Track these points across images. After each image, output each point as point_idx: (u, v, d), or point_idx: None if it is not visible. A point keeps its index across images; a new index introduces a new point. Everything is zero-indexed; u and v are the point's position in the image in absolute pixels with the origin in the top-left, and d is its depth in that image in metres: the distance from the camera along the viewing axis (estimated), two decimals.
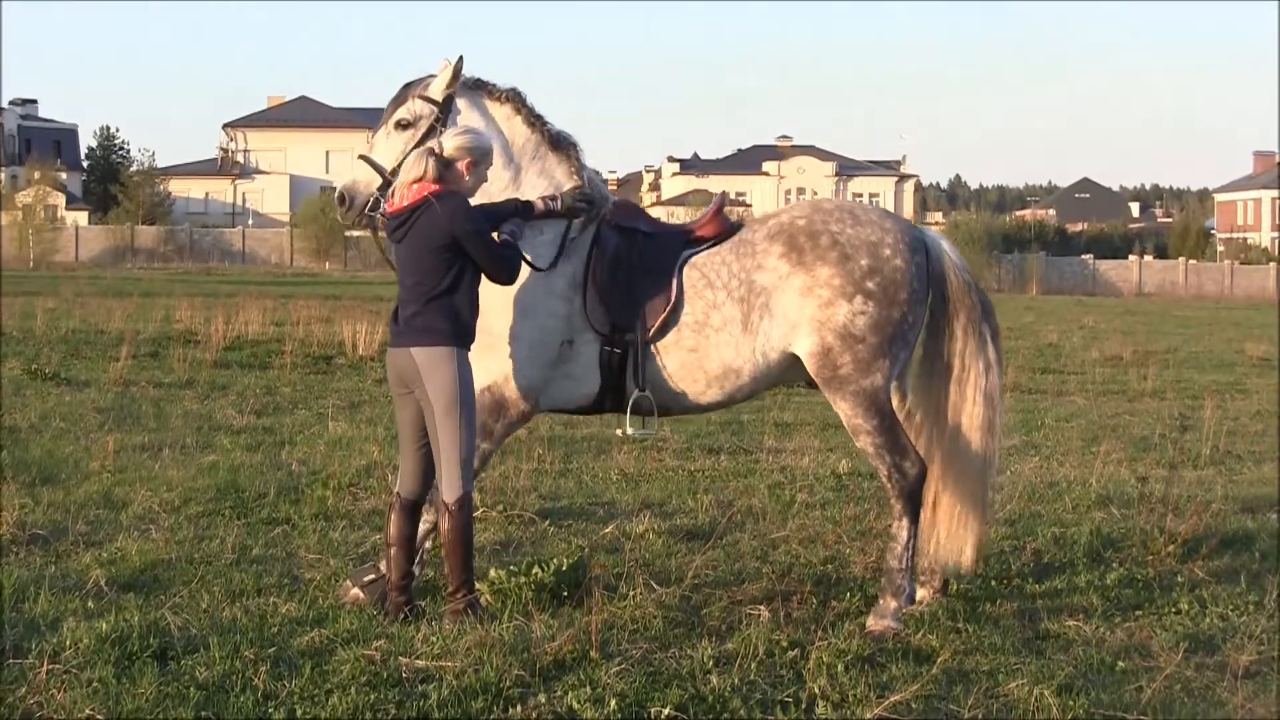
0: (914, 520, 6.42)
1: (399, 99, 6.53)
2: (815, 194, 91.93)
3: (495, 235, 6.20)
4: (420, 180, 6.06)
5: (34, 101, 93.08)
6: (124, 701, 4.91)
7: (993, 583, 7.06)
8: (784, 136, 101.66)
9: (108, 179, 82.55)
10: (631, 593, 6.40)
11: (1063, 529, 8.40)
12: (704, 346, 6.38)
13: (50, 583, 6.41)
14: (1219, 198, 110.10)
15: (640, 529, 8.04)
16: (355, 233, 60.90)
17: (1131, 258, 75.97)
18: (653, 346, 6.39)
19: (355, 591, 6.40)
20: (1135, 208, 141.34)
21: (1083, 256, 76.01)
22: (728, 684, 5.25)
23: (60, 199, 73.98)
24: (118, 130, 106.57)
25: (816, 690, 5.22)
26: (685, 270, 6.45)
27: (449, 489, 6.03)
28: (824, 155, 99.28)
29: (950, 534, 6.64)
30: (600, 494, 9.27)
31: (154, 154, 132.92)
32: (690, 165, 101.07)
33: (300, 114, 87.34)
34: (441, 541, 6.15)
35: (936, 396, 6.63)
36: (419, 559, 6.44)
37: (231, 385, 14.57)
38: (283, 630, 5.81)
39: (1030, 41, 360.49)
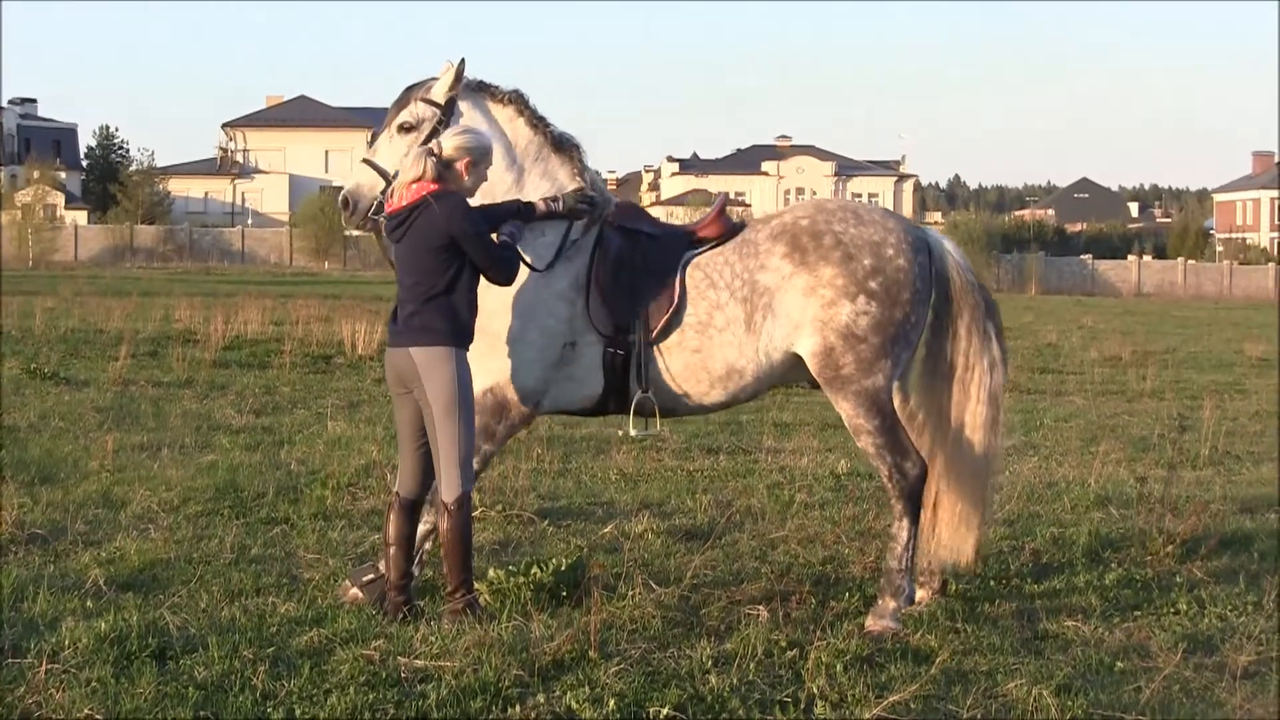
0: (914, 521, 6.42)
1: (401, 102, 6.53)
2: (814, 194, 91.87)
3: (495, 236, 6.20)
4: (419, 180, 6.06)
5: (33, 101, 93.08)
6: (123, 701, 4.91)
7: (991, 583, 7.06)
8: (783, 136, 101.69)
9: (107, 178, 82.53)
10: (630, 593, 6.40)
11: (1061, 529, 8.40)
12: (707, 347, 6.38)
13: (49, 582, 6.41)
14: (1218, 198, 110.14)
15: (639, 529, 8.04)
16: (355, 233, 60.95)
17: (1130, 258, 75.97)
18: (656, 348, 6.39)
19: (354, 591, 6.40)
20: (1134, 208, 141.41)
21: (1082, 256, 76.01)
22: (726, 684, 5.25)
23: (59, 198, 73.94)
24: (117, 130, 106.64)
25: (815, 690, 5.22)
26: (688, 271, 6.44)
27: (448, 489, 6.03)
28: (823, 155, 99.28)
29: (951, 532, 6.65)
30: (599, 494, 9.27)
31: (153, 153, 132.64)
32: (689, 165, 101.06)
33: (299, 113, 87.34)
34: (440, 541, 6.15)
35: (940, 396, 6.63)
36: (418, 559, 6.44)
37: (230, 385, 14.57)
38: (281, 630, 5.81)
39: (1029, 41, 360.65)
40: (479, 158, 6.19)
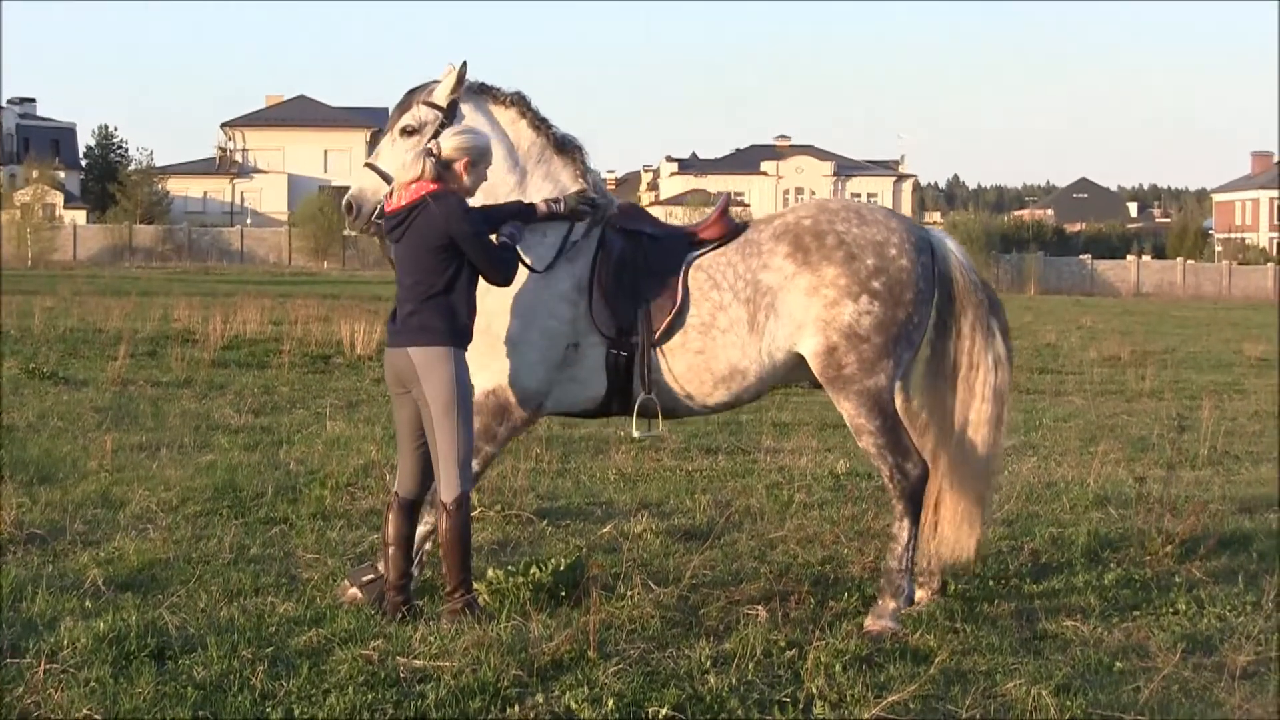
0: (915, 521, 6.42)
1: (404, 105, 6.53)
2: (814, 194, 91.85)
3: (494, 237, 6.21)
4: (418, 180, 6.06)
5: (32, 100, 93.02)
6: (121, 701, 4.90)
7: (990, 583, 7.06)
8: (782, 136, 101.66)
9: (106, 178, 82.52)
10: (629, 593, 6.40)
11: (1060, 529, 8.40)
12: (710, 348, 6.38)
13: (48, 582, 6.41)
14: (1217, 198, 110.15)
15: (638, 529, 8.04)
16: (354, 234, 60.89)
17: (1129, 258, 75.99)
18: (659, 349, 6.38)
19: (353, 591, 6.40)
20: (1133, 208, 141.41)
21: (1081, 256, 76.02)
22: (725, 684, 5.25)
23: (58, 198, 73.92)
24: (116, 129, 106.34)
25: (814, 690, 5.22)
26: (691, 272, 6.44)
27: (447, 489, 6.03)
28: (822, 155, 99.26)
29: (954, 530, 6.65)
30: (598, 494, 9.27)
31: (152, 153, 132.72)
32: (689, 165, 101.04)
33: (298, 113, 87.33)
34: (439, 541, 6.15)
35: (943, 395, 6.63)
36: (418, 560, 6.44)
37: (229, 384, 14.56)
38: (280, 630, 5.81)
39: (1028, 42, 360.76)
40: (477, 158, 6.19)
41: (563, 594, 6.33)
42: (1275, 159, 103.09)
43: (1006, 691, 5.37)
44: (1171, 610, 6.66)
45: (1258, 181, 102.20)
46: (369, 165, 6.50)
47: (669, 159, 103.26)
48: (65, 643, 5.43)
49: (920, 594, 6.62)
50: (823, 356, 6.34)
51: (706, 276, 6.43)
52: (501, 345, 6.36)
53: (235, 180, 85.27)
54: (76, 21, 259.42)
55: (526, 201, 6.45)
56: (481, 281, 6.20)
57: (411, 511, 6.27)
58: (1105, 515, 8.89)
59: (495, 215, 6.33)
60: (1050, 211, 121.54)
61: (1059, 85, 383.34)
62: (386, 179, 6.37)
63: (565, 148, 6.62)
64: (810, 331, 6.34)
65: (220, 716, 4.86)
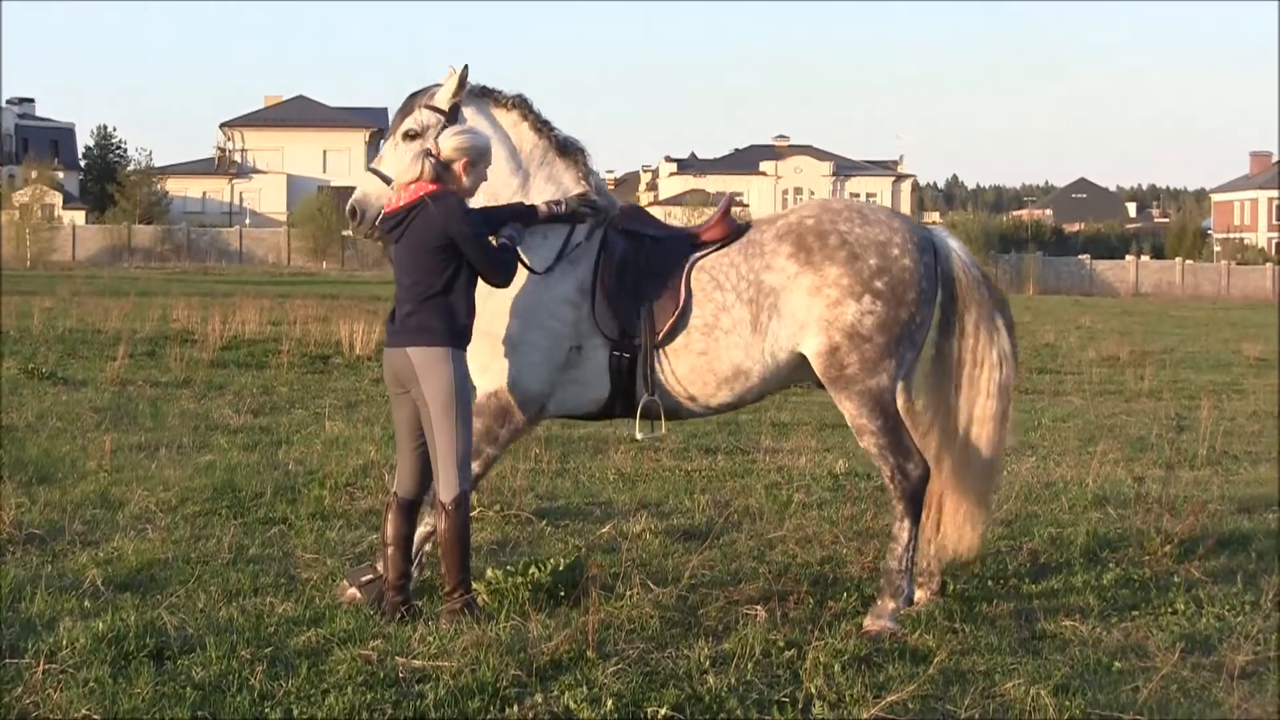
0: (915, 522, 6.42)
1: (405, 109, 6.53)
2: (812, 194, 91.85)
3: (494, 239, 6.21)
4: (417, 181, 6.07)
5: (31, 100, 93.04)
6: (120, 701, 4.90)
7: (989, 583, 7.06)
8: (781, 136, 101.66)
9: (105, 178, 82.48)
10: (628, 593, 6.40)
11: (1059, 529, 8.41)
12: (714, 349, 6.38)
13: (47, 582, 6.41)
14: (1216, 198, 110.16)
15: (637, 529, 8.04)
16: (358, 237, 60.89)
17: (1128, 258, 75.99)
18: (662, 350, 6.38)
19: (352, 591, 6.40)
20: (1132, 208, 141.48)
21: (1079, 257, 76.01)
22: (724, 684, 5.25)
23: (57, 198, 73.92)
24: (115, 129, 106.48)
25: (813, 690, 5.22)
26: (694, 273, 6.44)
27: (445, 488, 6.03)
28: (821, 155, 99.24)
29: (956, 527, 6.65)
30: (597, 494, 9.27)
31: (151, 153, 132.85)
32: (688, 165, 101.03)
33: (297, 113, 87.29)
34: (438, 541, 6.15)
35: (948, 392, 6.62)
36: (418, 561, 6.44)
37: (228, 385, 14.56)
38: (279, 630, 5.81)
39: (1027, 42, 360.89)
40: (476, 158, 6.19)
41: (562, 594, 6.33)
42: (1274, 159, 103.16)
43: (1005, 691, 5.37)
44: (1170, 610, 6.67)
45: (1256, 181, 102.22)
46: (372, 170, 6.50)
47: (668, 159, 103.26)
48: (64, 643, 5.44)
49: (920, 594, 6.62)
50: (825, 356, 6.33)
51: (709, 277, 6.43)
52: (505, 347, 6.36)
53: (234, 180, 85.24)
54: (75, 22, 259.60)
55: (528, 204, 6.46)
56: (485, 284, 6.21)
57: (410, 512, 6.27)
58: (1104, 515, 8.89)
59: (496, 217, 6.34)
60: (1049, 211, 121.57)
61: (1058, 85, 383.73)
62: (390, 183, 6.37)
63: (568, 150, 6.62)
64: (813, 331, 6.34)
65: (219, 717, 4.86)
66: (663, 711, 4.96)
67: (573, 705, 4.97)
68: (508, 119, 6.61)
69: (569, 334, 6.39)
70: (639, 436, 6.59)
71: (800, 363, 6.46)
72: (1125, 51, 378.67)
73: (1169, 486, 8.70)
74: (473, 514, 6.93)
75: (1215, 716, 5.30)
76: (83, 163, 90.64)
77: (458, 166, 6.14)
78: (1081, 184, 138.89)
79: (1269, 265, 75.53)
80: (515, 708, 4.97)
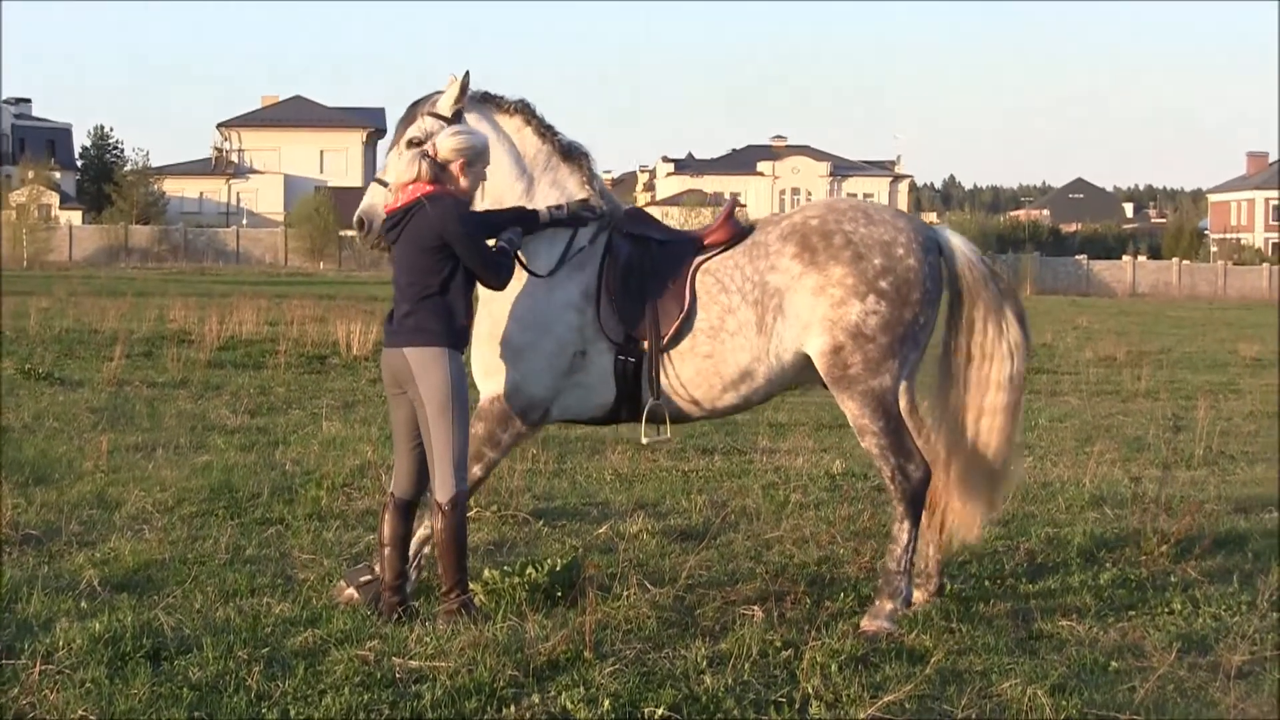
0: (915, 524, 6.41)
1: (408, 118, 6.54)
2: (810, 194, 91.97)
3: (493, 242, 6.21)
4: (415, 182, 6.07)
5: (28, 101, 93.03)
6: (117, 702, 4.90)
7: (986, 583, 7.07)
8: (779, 136, 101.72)
9: (102, 178, 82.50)
10: (625, 593, 6.40)
11: (1056, 529, 8.41)
12: (719, 352, 6.38)
13: (43, 583, 6.40)
14: (1213, 198, 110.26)
15: (634, 529, 8.04)
16: (351, 233, 61.02)
17: (1125, 258, 76.03)
18: (667, 354, 6.38)
19: (350, 592, 6.40)
20: (1129, 208, 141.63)
21: (1077, 257, 76.07)
22: (721, 684, 5.25)
23: (54, 198, 73.95)
24: (112, 130, 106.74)
25: (810, 690, 5.22)
26: (699, 276, 6.43)
27: (442, 489, 6.03)
28: (818, 155, 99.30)
29: (964, 519, 6.64)
30: (594, 494, 9.27)
31: (148, 153, 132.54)
32: (685, 165, 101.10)
33: (294, 113, 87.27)
34: (435, 541, 6.15)
35: (958, 387, 6.58)
36: (416, 563, 6.44)
37: (225, 385, 14.56)
38: (276, 630, 5.81)
39: (1025, 42, 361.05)
40: (474, 158, 6.19)
41: (559, 594, 6.33)
42: (1270, 159, 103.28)
43: (1002, 691, 5.37)
44: (1167, 610, 6.67)
45: (1253, 182, 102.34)
46: (377, 180, 6.50)
47: (665, 159, 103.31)
48: (61, 644, 5.43)
49: (918, 595, 6.61)
50: (828, 356, 6.33)
51: (714, 280, 6.43)
52: (508, 352, 6.37)
53: (231, 181, 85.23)
54: (72, 22, 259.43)
55: (530, 208, 6.46)
56: (490, 290, 6.23)
57: (407, 512, 6.27)
58: (1101, 515, 8.89)
59: (497, 220, 6.34)
60: (1046, 212, 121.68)
61: (1055, 86, 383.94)
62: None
63: (572, 155, 6.62)
64: (816, 331, 6.33)
65: (216, 717, 4.85)
66: (660, 712, 4.96)
67: (570, 705, 4.97)
68: (511, 124, 6.61)
69: (573, 339, 6.38)
70: (645, 441, 6.59)
71: (805, 363, 6.45)
72: (1122, 52, 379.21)
73: (1166, 486, 8.71)
74: (470, 514, 6.94)
75: (1212, 716, 5.30)
76: (80, 163, 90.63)
77: (455, 167, 6.14)
78: (1078, 184, 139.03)
79: (1266, 265, 75.59)
80: (512, 708, 4.97)
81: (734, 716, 5.03)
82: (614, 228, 6.55)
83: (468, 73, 6.48)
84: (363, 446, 10.35)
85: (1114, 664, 5.80)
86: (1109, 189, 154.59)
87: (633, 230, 6.57)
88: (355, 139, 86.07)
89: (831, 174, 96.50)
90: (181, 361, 16.08)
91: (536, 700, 5.02)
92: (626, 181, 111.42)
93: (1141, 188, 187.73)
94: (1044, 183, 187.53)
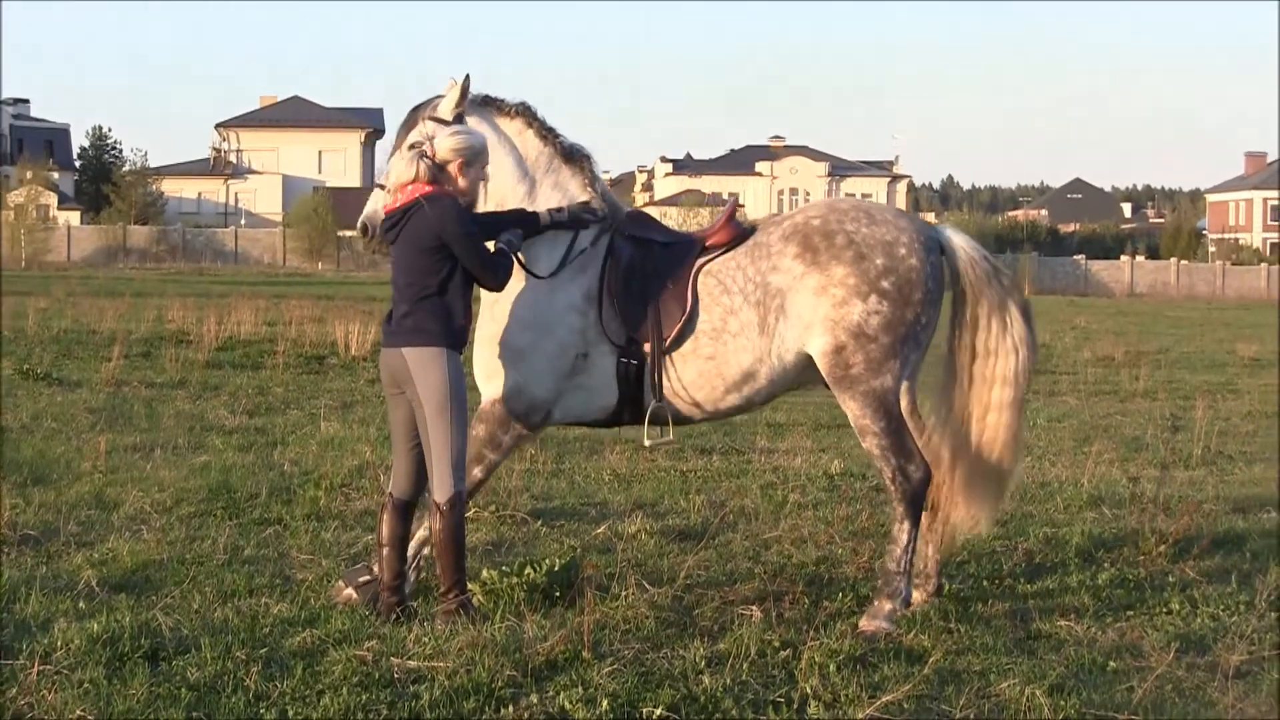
0: (915, 524, 6.40)
1: (409, 123, 6.54)
2: (808, 194, 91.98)
3: (492, 244, 6.21)
4: (413, 182, 6.08)
5: (26, 101, 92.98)
6: (115, 702, 4.90)
7: (984, 583, 7.07)
8: (777, 137, 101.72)
9: (100, 179, 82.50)
10: (624, 593, 6.40)
11: (1054, 529, 8.41)
12: (722, 353, 6.38)
13: (41, 583, 6.40)
14: (1211, 198, 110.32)
15: (632, 529, 8.04)
16: (350, 234, 61.05)
17: (1123, 258, 76.11)
18: (669, 356, 6.38)
19: (348, 592, 6.39)
20: (1127, 208, 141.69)
21: (1075, 257, 76.15)
22: (720, 684, 5.25)
23: (52, 199, 73.90)
24: (110, 130, 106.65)
25: (809, 690, 5.22)
26: (701, 278, 6.43)
27: (440, 489, 6.03)
28: (817, 155, 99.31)
29: (969, 515, 6.63)
30: (592, 494, 9.27)
31: (146, 154, 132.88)
32: (683, 165, 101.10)
33: (293, 114, 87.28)
34: (433, 542, 6.15)
35: (961, 387, 6.57)
36: (414, 564, 6.44)
37: (224, 385, 14.56)
38: (274, 631, 5.80)
39: (1023, 42, 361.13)
40: (472, 158, 6.19)
41: (557, 594, 6.33)
42: (1269, 159, 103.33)
43: (1000, 691, 5.37)
44: (1165, 610, 6.67)
45: (1251, 182, 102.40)
46: (379, 186, 6.50)
47: (664, 159, 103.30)
48: (59, 644, 5.43)
49: (916, 595, 6.61)
50: (830, 356, 6.33)
51: (716, 281, 6.43)
52: (510, 354, 6.37)
53: (229, 181, 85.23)
54: (71, 22, 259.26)
55: (531, 210, 6.47)
56: (493, 291, 6.23)
57: (406, 512, 6.27)
58: (1099, 515, 8.90)
59: (498, 222, 6.35)
60: (1044, 212, 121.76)
61: (1053, 86, 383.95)
62: None
63: (573, 157, 6.63)
64: (818, 331, 6.33)
65: (214, 717, 4.85)
66: (658, 712, 4.96)
67: (568, 706, 4.97)
68: (512, 127, 6.62)
69: (575, 341, 6.38)
70: (648, 443, 6.58)
71: (807, 364, 6.44)
72: (1121, 52, 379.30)
73: (1164, 486, 8.71)
74: (468, 514, 6.93)
75: (1210, 716, 5.30)
76: (78, 163, 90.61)
77: (453, 167, 6.15)
78: (1077, 184, 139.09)
79: (1264, 265, 75.66)
80: (510, 708, 4.97)
81: (732, 716, 5.03)
82: (616, 230, 6.55)
83: (468, 76, 6.49)
84: (361, 447, 10.35)
85: (1112, 664, 5.80)
86: (1107, 189, 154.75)
87: (634, 232, 6.57)
88: (354, 139, 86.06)
89: (830, 174, 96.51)
90: (180, 362, 16.08)
91: (535, 700, 5.02)
92: (625, 182, 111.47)
93: (1140, 188, 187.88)
94: (1042, 183, 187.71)
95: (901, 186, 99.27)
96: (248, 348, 18.13)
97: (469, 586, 6.19)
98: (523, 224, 6.38)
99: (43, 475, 9.01)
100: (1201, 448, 11.71)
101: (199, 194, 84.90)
